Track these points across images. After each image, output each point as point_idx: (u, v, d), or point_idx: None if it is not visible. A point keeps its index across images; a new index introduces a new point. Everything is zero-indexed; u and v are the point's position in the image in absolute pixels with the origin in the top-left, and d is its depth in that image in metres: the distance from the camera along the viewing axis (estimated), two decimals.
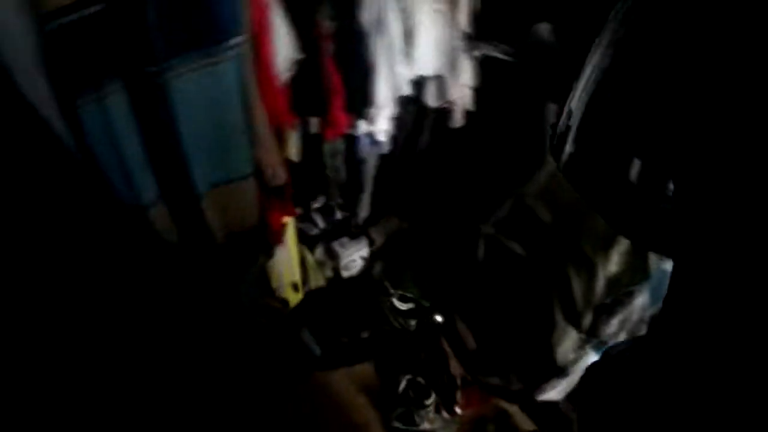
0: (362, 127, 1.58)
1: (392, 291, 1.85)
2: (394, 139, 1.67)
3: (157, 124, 1.21)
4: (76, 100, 1.08)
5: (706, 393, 0.41)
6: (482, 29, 1.65)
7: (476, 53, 1.68)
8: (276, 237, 1.57)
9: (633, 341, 0.65)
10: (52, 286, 1.20)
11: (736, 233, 0.38)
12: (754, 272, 0.38)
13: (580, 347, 1.51)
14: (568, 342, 1.52)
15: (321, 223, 1.79)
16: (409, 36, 1.53)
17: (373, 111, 1.55)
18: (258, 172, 1.40)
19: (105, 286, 1.26)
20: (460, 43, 1.65)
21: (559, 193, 1.56)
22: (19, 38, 0.99)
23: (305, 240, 1.81)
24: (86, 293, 1.24)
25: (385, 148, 1.67)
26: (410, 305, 1.85)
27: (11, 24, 0.97)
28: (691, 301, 0.45)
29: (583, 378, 0.63)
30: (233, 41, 1.21)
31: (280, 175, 1.43)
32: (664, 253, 0.62)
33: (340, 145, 1.62)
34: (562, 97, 0.68)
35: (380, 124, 1.60)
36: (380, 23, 1.48)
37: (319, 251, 1.85)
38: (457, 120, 1.71)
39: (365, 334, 1.81)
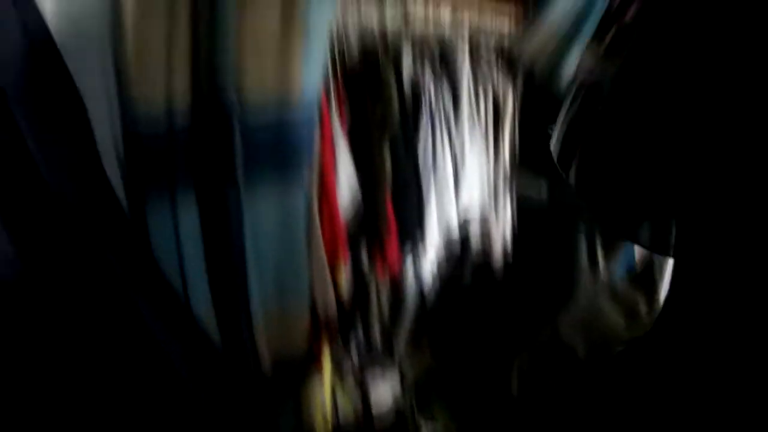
0: (409, 264, 1.63)
1: (422, 425, 1.81)
2: (436, 276, 1.71)
3: (224, 240, 1.23)
4: (147, 197, 1.12)
5: (707, 393, 0.40)
6: (521, 167, 1.76)
7: (516, 192, 1.79)
8: (317, 367, 1.55)
9: (633, 341, 0.64)
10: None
11: (737, 231, 0.38)
12: (755, 271, 0.37)
13: None
14: None
15: (355, 354, 1.77)
16: (457, 176, 1.63)
17: (421, 249, 1.61)
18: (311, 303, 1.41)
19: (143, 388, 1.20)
20: (502, 183, 1.76)
21: (593, 324, 1.60)
22: (102, 123, 1.04)
23: (337, 370, 1.78)
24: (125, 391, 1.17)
25: (428, 286, 1.70)
26: None
27: (96, 107, 1.03)
28: (691, 300, 0.44)
29: (585, 377, 0.62)
30: (306, 169, 1.26)
31: (331, 309, 1.45)
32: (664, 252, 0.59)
33: (386, 281, 1.65)
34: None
35: (426, 262, 1.65)
36: (434, 164, 1.58)
37: (350, 382, 1.81)
38: (497, 259, 1.77)
39: None
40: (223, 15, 1.13)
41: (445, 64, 1.71)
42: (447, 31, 1.77)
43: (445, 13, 1.77)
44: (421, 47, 1.70)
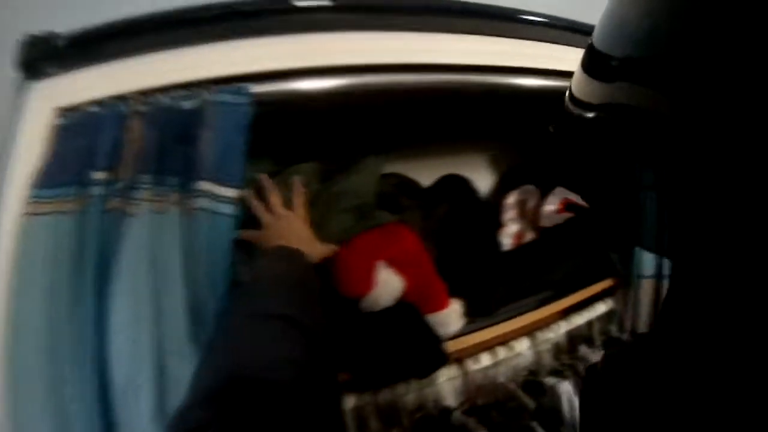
0: None
1: None
2: None
3: None
4: None
5: (709, 393, 0.38)
6: None
7: None
8: None
9: (634, 340, 0.58)
10: None
11: (737, 231, 0.36)
12: (755, 270, 0.35)
13: None
14: None
15: None
16: None
17: None
18: None
19: None
20: None
21: None
22: None
23: None
24: None
25: None
26: None
27: None
28: (691, 300, 0.43)
29: (584, 378, 0.59)
30: None
31: None
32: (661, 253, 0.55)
33: None
34: None
35: None
36: None
37: None
38: None
39: None
40: None
41: None
42: None
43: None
44: None
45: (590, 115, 0.47)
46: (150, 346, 0.78)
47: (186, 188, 0.87)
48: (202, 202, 0.85)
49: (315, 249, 0.91)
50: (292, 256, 0.81)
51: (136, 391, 0.77)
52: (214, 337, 0.69)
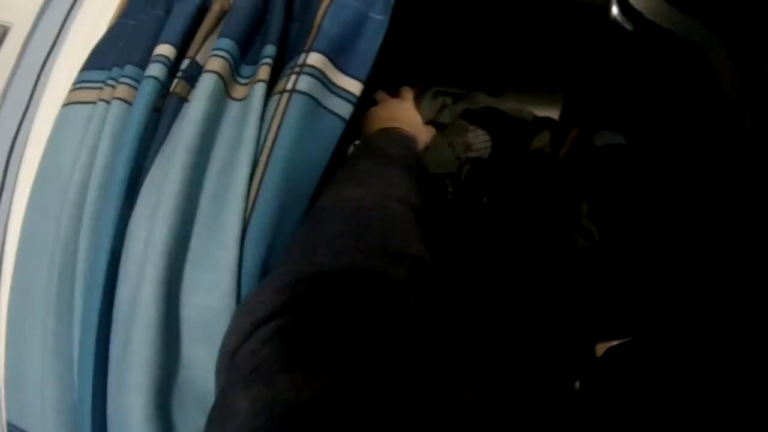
0: None
1: None
2: None
3: None
4: None
5: (708, 393, 0.38)
6: None
7: None
8: None
9: (634, 340, 0.54)
10: None
11: (736, 232, 0.37)
12: (753, 270, 0.37)
13: None
14: None
15: None
16: None
17: None
18: None
19: None
20: None
21: None
22: None
23: None
24: None
25: None
26: None
27: None
28: (689, 300, 0.44)
29: (584, 379, 0.57)
30: None
31: None
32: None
33: None
34: None
35: None
36: None
37: None
38: None
39: None
40: None
41: None
42: None
43: None
44: None
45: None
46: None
47: (284, 62, 0.61)
48: (306, 83, 0.56)
49: (424, 136, 0.78)
50: (404, 139, 0.69)
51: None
52: (305, 229, 0.51)
